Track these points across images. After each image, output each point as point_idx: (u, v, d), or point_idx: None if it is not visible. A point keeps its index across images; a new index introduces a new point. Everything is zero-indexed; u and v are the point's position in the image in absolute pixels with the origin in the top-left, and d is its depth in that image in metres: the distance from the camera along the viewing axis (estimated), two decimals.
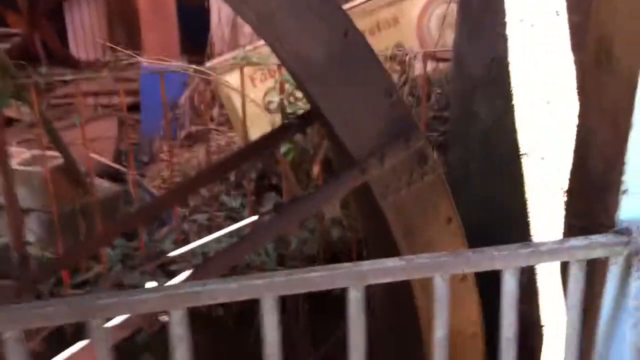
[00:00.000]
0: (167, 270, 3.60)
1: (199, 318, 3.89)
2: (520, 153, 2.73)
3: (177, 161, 4.98)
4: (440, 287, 1.74)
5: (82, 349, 1.85)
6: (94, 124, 5.90)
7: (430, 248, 2.37)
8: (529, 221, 2.68)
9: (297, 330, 3.81)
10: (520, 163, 2.72)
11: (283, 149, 3.45)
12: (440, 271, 1.72)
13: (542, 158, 2.63)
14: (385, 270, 1.68)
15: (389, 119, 2.13)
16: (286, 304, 3.90)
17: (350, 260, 3.83)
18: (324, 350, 3.77)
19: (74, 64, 7.89)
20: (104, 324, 1.59)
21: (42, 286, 3.69)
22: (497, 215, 2.99)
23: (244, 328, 3.87)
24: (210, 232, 3.98)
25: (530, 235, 2.65)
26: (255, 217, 3.41)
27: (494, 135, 3.02)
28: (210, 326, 3.87)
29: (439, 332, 1.78)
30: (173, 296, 1.60)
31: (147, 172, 4.93)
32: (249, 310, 3.90)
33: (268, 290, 1.65)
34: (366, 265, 1.68)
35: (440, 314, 1.76)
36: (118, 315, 1.61)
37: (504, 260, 1.73)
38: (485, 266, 1.75)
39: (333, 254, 3.80)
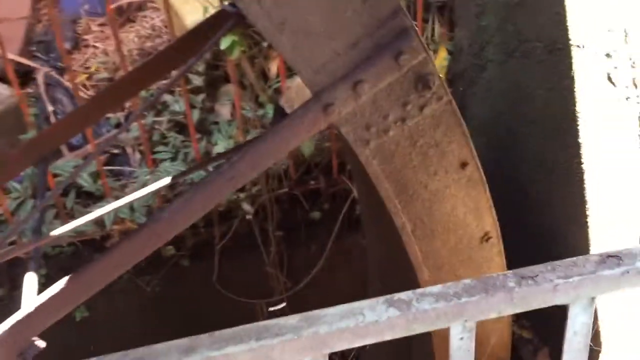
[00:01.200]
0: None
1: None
2: (572, 43, 1.92)
3: (104, 48, 4.09)
4: (460, 340, 1.06)
5: None
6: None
7: (436, 205, 1.67)
8: (581, 143, 1.93)
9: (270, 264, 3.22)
10: (566, 52, 1.92)
11: (224, 43, 2.62)
12: (460, 319, 1.04)
13: (606, 53, 1.82)
14: (350, 334, 0.99)
15: (364, 22, 1.34)
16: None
17: (329, 177, 3.13)
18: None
19: None
20: None
21: None
22: (529, 129, 2.25)
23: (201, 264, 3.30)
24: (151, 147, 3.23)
25: (582, 177, 1.92)
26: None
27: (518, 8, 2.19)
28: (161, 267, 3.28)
29: None
30: None
31: (70, 62, 4.04)
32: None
33: None
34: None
35: None
36: None
37: (573, 291, 1.04)
38: (542, 302, 1.06)
39: (307, 169, 3.09)
